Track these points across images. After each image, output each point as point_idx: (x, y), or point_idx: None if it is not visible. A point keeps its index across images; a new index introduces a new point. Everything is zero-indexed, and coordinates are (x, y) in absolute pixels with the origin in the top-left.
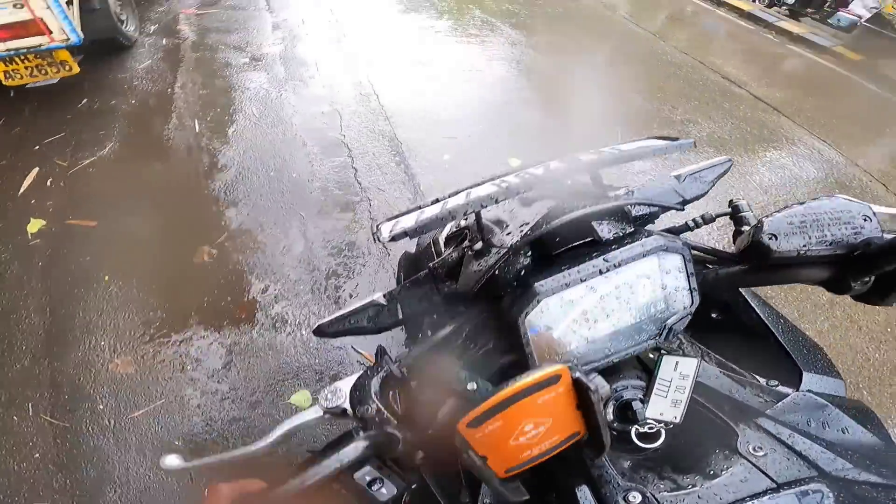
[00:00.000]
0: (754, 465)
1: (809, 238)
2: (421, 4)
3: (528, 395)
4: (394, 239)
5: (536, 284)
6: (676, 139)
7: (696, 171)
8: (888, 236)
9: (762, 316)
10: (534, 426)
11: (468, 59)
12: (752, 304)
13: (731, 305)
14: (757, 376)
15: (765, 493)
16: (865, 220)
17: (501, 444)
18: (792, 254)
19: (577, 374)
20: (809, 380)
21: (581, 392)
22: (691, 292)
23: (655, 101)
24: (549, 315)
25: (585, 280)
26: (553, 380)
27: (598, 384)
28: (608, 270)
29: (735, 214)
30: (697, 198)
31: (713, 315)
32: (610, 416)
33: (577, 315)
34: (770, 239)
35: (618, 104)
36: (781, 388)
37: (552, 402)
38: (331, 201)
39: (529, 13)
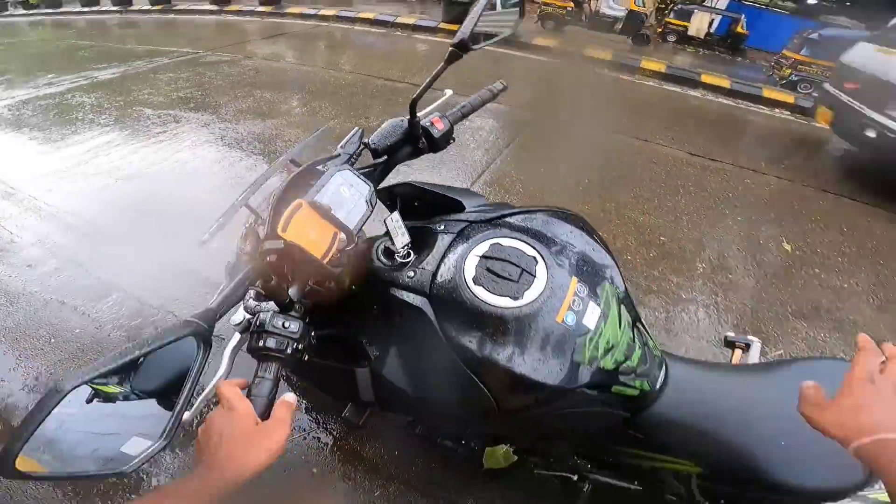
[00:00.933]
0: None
1: (386, 139)
2: (78, 136)
3: (293, 216)
4: None
5: (299, 200)
6: (317, 129)
7: (306, 142)
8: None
9: (425, 189)
10: (313, 231)
11: (170, 158)
12: (424, 188)
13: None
14: None
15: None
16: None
17: (306, 241)
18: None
19: (312, 199)
20: (469, 204)
21: (317, 209)
22: (366, 182)
23: (352, 120)
24: (314, 219)
25: (312, 198)
26: (296, 208)
27: (320, 196)
28: (320, 189)
29: (368, 147)
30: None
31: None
32: (385, 261)
33: (325, 212)
34: (373, 144)
35: (325, 136)
36: None
37: (307, 217)
38: None
39: (203, 92)
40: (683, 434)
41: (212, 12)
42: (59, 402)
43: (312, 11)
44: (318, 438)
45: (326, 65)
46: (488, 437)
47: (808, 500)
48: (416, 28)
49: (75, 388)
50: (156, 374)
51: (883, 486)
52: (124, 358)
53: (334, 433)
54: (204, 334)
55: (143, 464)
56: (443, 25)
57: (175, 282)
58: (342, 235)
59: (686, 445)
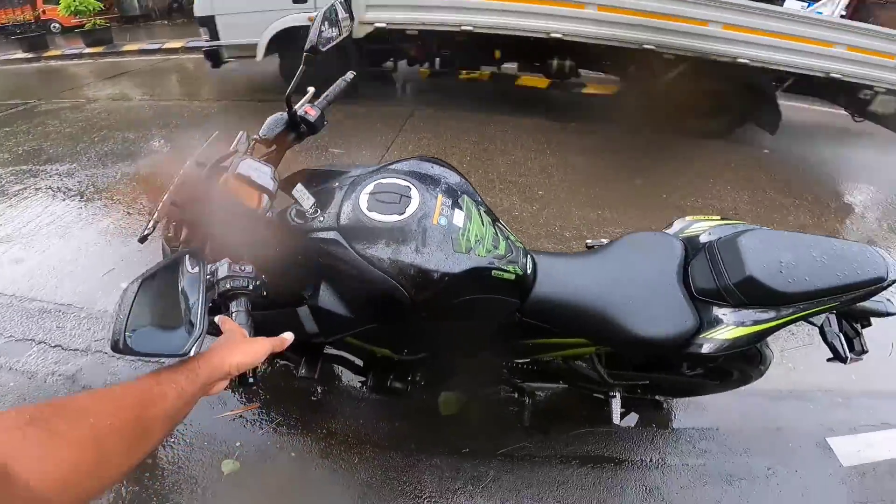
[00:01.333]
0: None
1: (272, 130)
2: None
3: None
4: None
5: (226, 175)
6: (211, 136)
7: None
8: None
9: (319, 170)
10: (244, 193)
11: (43, 213)
12: (318, 170)
13: None
14: None
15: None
16: None
17: (239, 197)
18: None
19: (236, 172)
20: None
21: (242, 178)
22: (266, 164)
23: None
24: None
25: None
26: (227, 180)
27: (240, 170)
28: (234, 170)
29: (259, 140)
30: None
31: None
32: (298, 221)
33: (248, 179)
34: (263, 136)
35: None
36: None
37: (237, 184)
38: None
39: (53, 142)
40: (564, 313)
41: (28, 60)
42: (135, 296)
43: (154, 46)
44: (287, 426)
45: (187, 96)
46: (435, 379)
47: (663, 347)
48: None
49: (141, 282)
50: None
51: (713, 327)
52: (157, 267)
53: (300, 419)
54: (197, 253)
55: (192, 347)
56: None
57: (91, 324)
58: (265, 196)
59: (570, 324)
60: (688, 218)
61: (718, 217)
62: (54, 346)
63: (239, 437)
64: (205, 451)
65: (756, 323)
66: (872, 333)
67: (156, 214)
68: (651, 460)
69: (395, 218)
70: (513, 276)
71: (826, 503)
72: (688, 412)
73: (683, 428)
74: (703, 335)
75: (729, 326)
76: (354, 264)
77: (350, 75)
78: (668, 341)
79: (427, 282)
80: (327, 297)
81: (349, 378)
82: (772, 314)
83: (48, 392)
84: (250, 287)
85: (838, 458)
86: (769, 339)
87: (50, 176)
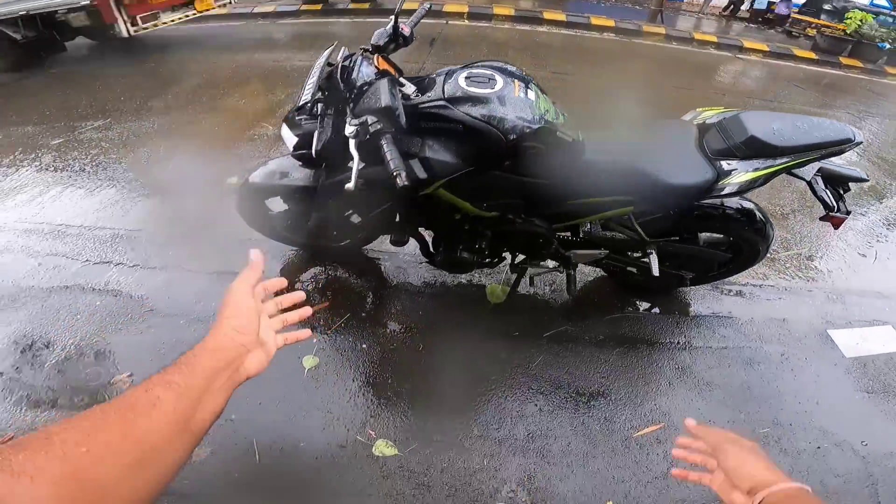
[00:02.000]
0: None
1: (379, 39)
2: None
3: (379, 60)
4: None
5: (377, 55)
6: (331, 45)
7: (328, 52)
8: None
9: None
10: (387, 66)
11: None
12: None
13: None
14: None
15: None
16: None
17: (388, 67)
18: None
19: (382, 54)
20: None
21: (384, 59)
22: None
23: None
24: (385, 62)
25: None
26: (377, 58)
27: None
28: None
29: (368, 50)
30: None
31: None
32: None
33: (388, 59)
34: (372, 42)
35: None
36: None
37: (383, 60)
38: None
39: None
40: (610, 171)
41: None
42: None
43: None
44: (356, 321)
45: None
46: (496, 251)
47: (692, 194)
48: (278, 14)
49: (303, 104)
50: None
51: (728, 176)
52: (314, 76)
53: (366, 315)
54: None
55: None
56: (304, 7)
57: (165, 245)
58: (395, 72)
59: (615, 181)
60: (697, 109)
61: (721, 107)
62: (132, 266)
63: (314, 335)
64: (286, 350)
65: (757, 170)
66: (857, 243)
67: (308, 93)
68: (679, 343)
69: (488, 90)
70: (570, 139)
71: (837, 391)
72: (704, 302)
73: (702, 315)
74: (722, 182)
75: (739, 173)
76: (461, 120)
77: (427, 5)
78: (695, 188)
79: (514, 130)
80: (434, 151)
81: (405, 278)
82: (769, 162)
83: (134, 308)
84: (393, 129)
85: (840, 348)
86: (772, 220)
87: None
